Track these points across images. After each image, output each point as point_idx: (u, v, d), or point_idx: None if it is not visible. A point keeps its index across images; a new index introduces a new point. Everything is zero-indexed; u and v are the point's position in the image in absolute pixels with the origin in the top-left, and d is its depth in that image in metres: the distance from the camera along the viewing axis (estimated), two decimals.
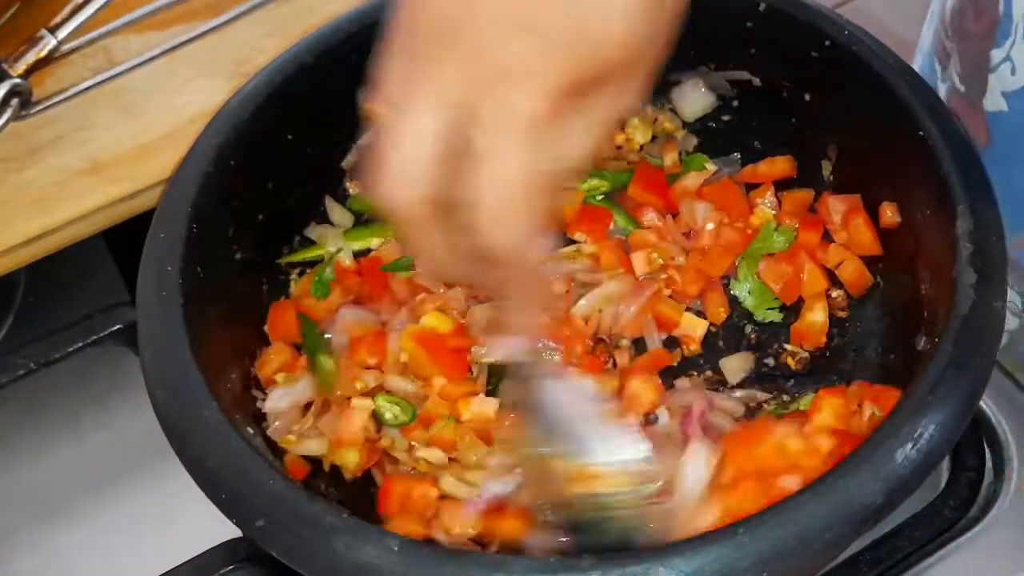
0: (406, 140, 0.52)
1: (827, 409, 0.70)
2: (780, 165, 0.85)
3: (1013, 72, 0.77)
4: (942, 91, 0.83)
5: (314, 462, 0.75)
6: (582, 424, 0.64)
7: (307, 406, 0.76)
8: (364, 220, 0.85)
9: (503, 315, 0.58)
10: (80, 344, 0.79)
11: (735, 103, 0.87)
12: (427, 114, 0.52)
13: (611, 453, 0.63)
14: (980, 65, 0.80)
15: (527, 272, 0.55)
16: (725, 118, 0.88)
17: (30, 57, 0.86)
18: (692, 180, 0.85)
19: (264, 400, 0.75)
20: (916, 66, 0.88)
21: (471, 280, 0.58)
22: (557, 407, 0.64)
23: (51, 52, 0.87)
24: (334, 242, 0.83)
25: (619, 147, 0.88)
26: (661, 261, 0.82)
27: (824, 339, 0.80)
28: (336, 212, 0.85)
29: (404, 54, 0.53)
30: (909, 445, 0.60)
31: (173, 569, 0.70)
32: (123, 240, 0.81)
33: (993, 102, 0.80)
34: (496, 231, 0.52)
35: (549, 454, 0.64)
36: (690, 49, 0.85)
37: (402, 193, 0.53)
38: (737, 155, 0.87)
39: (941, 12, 0.83)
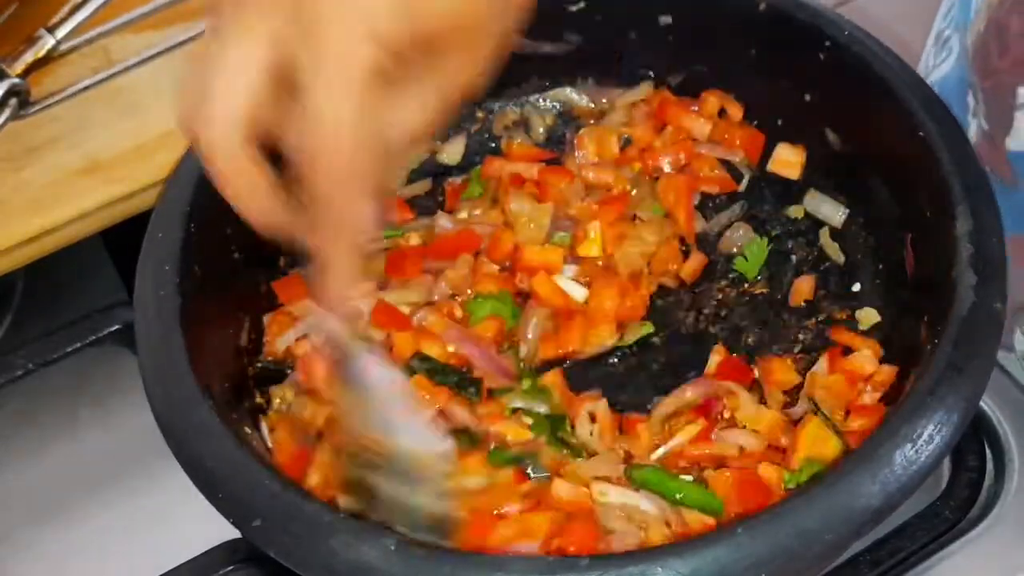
0: (229, 69, 0.48)
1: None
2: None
3: None
4: (972, 127, 0.79)
5: None
6: (390, 406, 0.63)
7: None
8: None
9: (320, 275, 0.55)
10: (78, 344, 0.79)
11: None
12: (255, 44, 0.48)
13: (415, 441, 0.63)
14: (1006, 102, 0.76)
15: (352, 226, 0.52)
16: None
17: (28, 57, 0.86)
18: None
19: (261, 399, 0.76)
20: None
21: (291, 229, 0.54)
22: (369, 386, 0.63)
23: (49, 52, 0.87)
24: None
25: None
26: None
27: None
28: None
29: None
30: (908, 447, 0.59)
31: (173, 569, 0.70)
32: (121, 240, 0.81)
33: (1018, 141, 0.77)
34: (326, 182, 0.49)
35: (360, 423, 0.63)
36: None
37: (222, 130, 0.49)
38: None
39: (963, 45, 0.79)
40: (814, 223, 0.84)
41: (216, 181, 0.51)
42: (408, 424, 0.63)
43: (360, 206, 0.51)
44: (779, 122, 0.86)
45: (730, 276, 0.83)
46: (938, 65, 0.83)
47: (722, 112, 0.87)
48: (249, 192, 0.51)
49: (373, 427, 0.62)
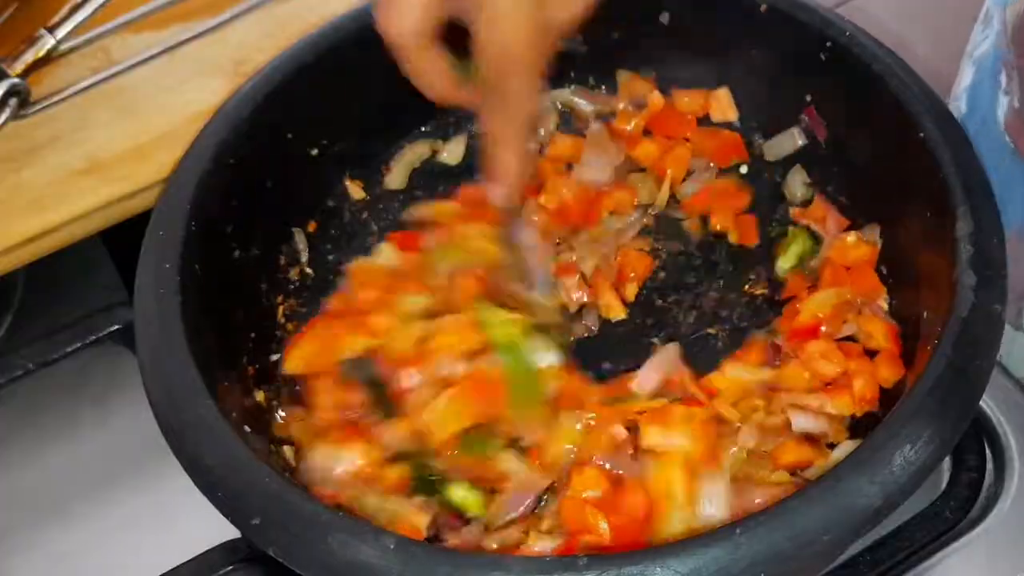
0: None
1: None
2: None
3: None
4: (1003, 104, 0.78)
5: None
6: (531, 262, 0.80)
7: None
8: None
9: (491, 150, 0.67)
10: (79, 344, 0.79)
11: None
12: None
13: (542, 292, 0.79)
14: None
15: (521, 105, 0.64)
16: None
17: (28, 56, 0.86)
18: None
19: (258, 393, 0.76)
20: (968, 77, 0.83)
21: (464, 102, 0.67)
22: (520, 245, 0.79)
23: (49, 52, 0.87)
24: None
25: None
26: None
27: None
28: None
29: None
30: (908, 447, 0.59)
31: (173, 569, 0.70)
32: (122, 240, 0.81)
33: None
34: (500, 68, 0.62)
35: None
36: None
37: (402, 22, 0.62)
38: None
39: (1003, 22, 0.77)
40: None
41: (402, 66, 0.65)
42: (540, 277, 0.79)
43: (529, 88, 0.64)
44: (779, 122, 0.86)
45: (731, 275, 0.83)
46: (980, 44, 0.81)
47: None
48: (426, 71, 0.65)
49: (516, 278, 0.78)
